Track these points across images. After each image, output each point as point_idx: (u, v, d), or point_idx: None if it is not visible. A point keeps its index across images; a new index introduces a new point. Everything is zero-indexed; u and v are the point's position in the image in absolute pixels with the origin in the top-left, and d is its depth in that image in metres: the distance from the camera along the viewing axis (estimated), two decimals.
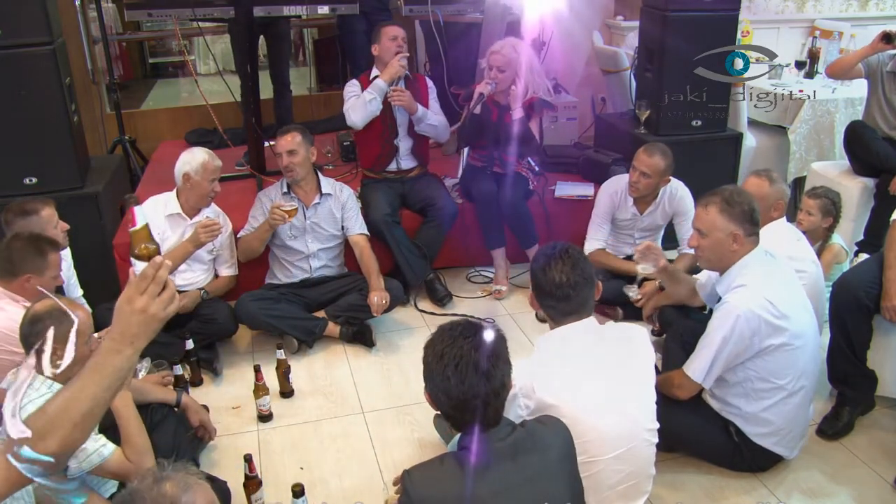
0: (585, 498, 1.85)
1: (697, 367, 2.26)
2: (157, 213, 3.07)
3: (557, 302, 1.91)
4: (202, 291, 3.12)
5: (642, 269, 2.61)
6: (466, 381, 1.48)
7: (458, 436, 1.57)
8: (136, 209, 1.42)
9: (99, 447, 1.86)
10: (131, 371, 1.29)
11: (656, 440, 1.98)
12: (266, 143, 4.01)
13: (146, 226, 1.42)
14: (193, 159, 3.04)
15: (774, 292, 2.21)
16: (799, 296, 2.33)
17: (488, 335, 1.54)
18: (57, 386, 1.93)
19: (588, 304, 1.94)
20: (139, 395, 2.30)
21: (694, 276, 2.91)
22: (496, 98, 3.60)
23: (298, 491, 2.17)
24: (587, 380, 1.88)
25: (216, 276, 3.27)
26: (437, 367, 1.51)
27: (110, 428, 2.12)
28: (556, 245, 1.95)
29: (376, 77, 3.53)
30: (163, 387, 2.54)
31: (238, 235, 3.28)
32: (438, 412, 1.66)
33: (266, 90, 4.73)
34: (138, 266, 1.31)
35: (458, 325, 1.57)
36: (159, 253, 1.39)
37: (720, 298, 2.31)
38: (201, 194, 3.07)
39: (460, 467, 1.50)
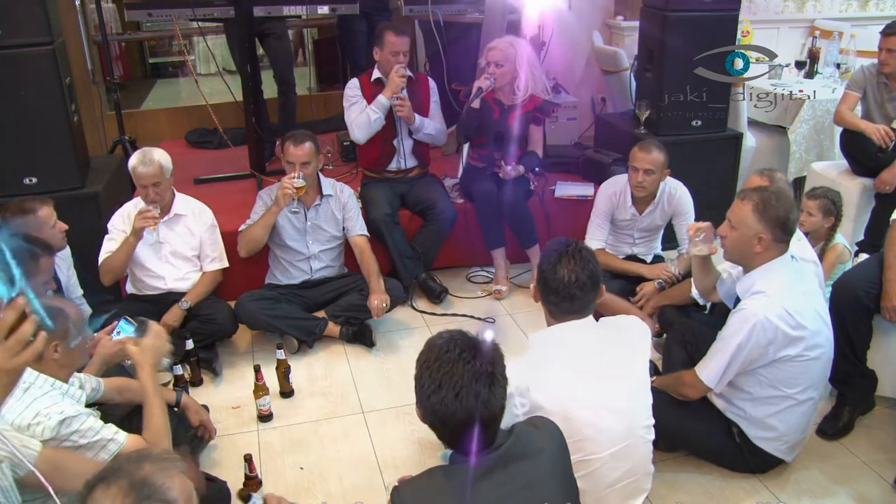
0: (585, 498, 1.85)
1: (711, 372, 2.24)
2: (129, 219, 3.03)
3: (561, 300, 1.90)
4: (183, 303, 3.05)
5: (698, 250, 2.46)
6: (465, 410, 1.42)
7: (449, 450, 1.53)
8: None
9: (113, 435, 1.87)
10: None
11: (653, 437, 1.99)
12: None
13: None
14: (130, 164, 2.95)
15: (794, 302, 2.18)
16: (819, 307, 2.30)
17: (486, 355, 1.46)
18: (59, 384, 1.93)
19: (590, 306, 1.95)
20: (139, 395, 2.30)
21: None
22: (498, 97, 3.61)
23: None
24: (582, 379, 1.88)
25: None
26: (434, 396, 1.43)
27: (126, 417, 2.14)
28: (568, 242, 1.93)
29: (378, 79, 3.53)
30: (162, 386, 2.53)
31: (239, 229, 3.24)
32: None
33: (270, 89, 4.74)
34: None
35: (454, 345, 1.47)
36: None
37: (737, 299, 2.30)
38: (143, 199, 3.00)
39: (449, 481, 1.48)
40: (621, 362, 1.95)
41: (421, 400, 1.48)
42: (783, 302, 2.16)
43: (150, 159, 2.92)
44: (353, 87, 3.59)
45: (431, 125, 3.63)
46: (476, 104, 3.49)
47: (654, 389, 2.02)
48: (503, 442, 1.51)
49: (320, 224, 3.27)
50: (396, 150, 3.65)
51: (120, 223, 3.04)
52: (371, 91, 3.53)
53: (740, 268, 2.37)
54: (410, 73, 3.60)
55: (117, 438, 1.86)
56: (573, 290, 1.88)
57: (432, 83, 3.75)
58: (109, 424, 1.89)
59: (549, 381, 1.87)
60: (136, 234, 2.91)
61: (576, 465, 1.67)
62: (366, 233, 3.36)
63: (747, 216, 2.20)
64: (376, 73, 3.57)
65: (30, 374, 1.89)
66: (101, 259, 3.00)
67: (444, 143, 3.80)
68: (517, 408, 1.87)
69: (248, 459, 2.26)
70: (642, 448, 1.96)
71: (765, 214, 2.18)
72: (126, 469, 1.16)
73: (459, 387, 1.42)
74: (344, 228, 3.34)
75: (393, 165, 3.69)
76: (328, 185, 3.30)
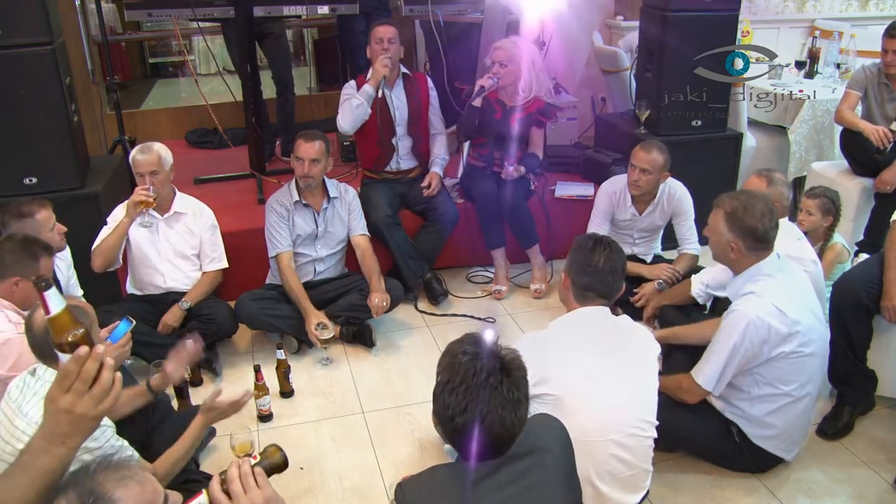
0: (588, 482, 1.90)
1: (707, 376, 2.25)
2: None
3: (595, 283, 2.01)
4: (183, 303, 3.06)
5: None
6: (488, 433, 1.41)
7: None
8: (48, 294, 1.17)
9: (128, 456, 1.87)
10: (65, 470, 1.17)
11: (654, 435, 2.02)
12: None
13: (66, 309, 1.18)
14: (131, 155, 3.00)
15: (785, 300, 2.19)
16: (811, 303, 2.31)
17: (514, 377, 1.43)
18: None
19: (614, 294, 2.05)
20: (115, 412, 2.24)
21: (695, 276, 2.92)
22: (500, 97, 3.61)
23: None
24: (593, 358, 1.96)
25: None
26: (459, 418, 1.40)
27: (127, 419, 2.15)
28: (600, 236, 2.10)
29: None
30: (129, 390, 2.34)
31: (271, 254, 3.20)
32: None
33: (270, 89, 4.74)
34: (64, 357, 1.15)
35: (480, 367, 1.42)
36: (88, 339, 1.16)
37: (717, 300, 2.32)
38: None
39: (453, 479, 1.48)
40: (632, 355, 2.02)
41: (442, 418, 1.45)
42: (773, 300, 2.17)
43: (150, 149, 2.98)
44: (349, 87, 3.60)
45: (442, 148, 3.74)
46: (478, 102, 3.49)
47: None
48: None
49: (328, 227, 3.27)
50: (395, 149, 3.65)
51: (120, 216, 3.04)
52: None
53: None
54: (407, 71, 3.60)
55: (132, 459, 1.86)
56: (606, 275, 2.00)
57: (430, 82, 3.75)
58: (126, 444, 1.89)
59: (562, 354, 1.96)
60: (130, 214, 2.91)
61: (580, 444, 1.69)
62: (367, 232, 3.36)
63: (718, 224, 2.26)
64: (371, 74, 3.57)
65: (52, 374, 1.88)
66: (94, 245, 3.00)
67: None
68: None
69: None
70: (644, 442, 2.00)
71: (734, 224, 2.22)
72: (80, 479, 1.17)
73: (485, 413, 1.39)
74: (348, 229, 3.34)
75: (392, 166, 3.69)
76: (333, 187, 3.30)
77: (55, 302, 1.16)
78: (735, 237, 2.22)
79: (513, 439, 1.46)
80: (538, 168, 3.71)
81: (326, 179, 3.29)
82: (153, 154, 2.97)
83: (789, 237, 2.69)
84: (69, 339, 1.16)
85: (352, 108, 3.47)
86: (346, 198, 3.33)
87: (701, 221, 3.29)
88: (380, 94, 3.47)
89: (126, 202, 3.04)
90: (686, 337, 2.57)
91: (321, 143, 3.13)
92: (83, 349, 1.12)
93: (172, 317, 3.04)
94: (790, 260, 2.45)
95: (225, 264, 3.22)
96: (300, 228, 3.22)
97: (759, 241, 2.21)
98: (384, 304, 3.14)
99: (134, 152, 2.99)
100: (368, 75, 3.56)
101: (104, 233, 3.00)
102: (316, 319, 3.08)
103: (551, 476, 1.53)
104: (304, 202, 3.22)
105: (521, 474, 1.48)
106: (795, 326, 2.19)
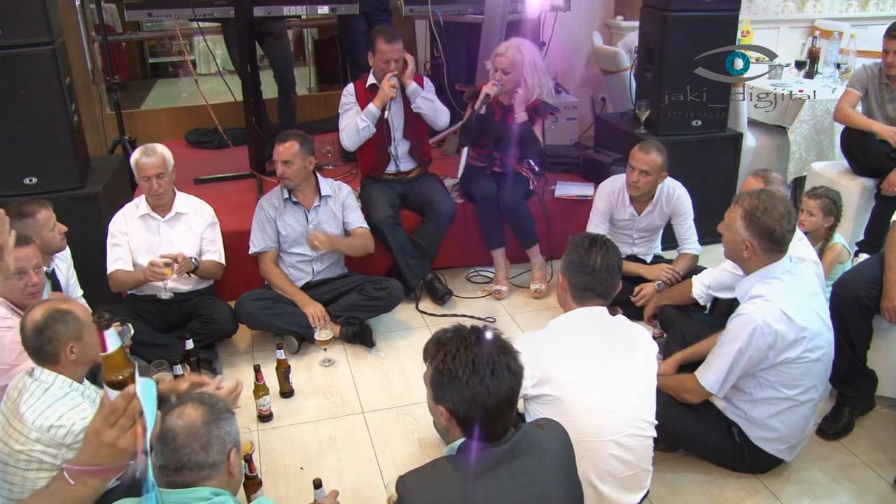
0: (588, 483, 1.90)
1: (712, 378, 2.24)
2: (130, 219, 3.06)
3: (593, 283, 2.00)
4: (193, 259, 3.02)
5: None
6: (501, 384, 1.45)
7: (458, 442, 1.53)
8: (107, 333, 1.25)
9: None
10: (94, 499, 1.25)
11: (654, 434, 2.02)
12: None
13: (120, 349, 1.26)
14: (133, 158, 3.01)
15: (793, 305, 2.17)
16: (819, 308, 2.29)
17: (498, 335, 1.52)
18: (76, 385, 1.92)
19: (612, 293, 2.05)
20: None
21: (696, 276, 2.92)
22: (500, 99, 3.60)
23: (318, 483, 2.16)
24: (592, 358, 1.95)
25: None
26: (473, 378, 1.43)
27: None
28: (595, 235, 2.09)
29: (372, 85, 3.52)
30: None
31: (250, 251, 3.24)
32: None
33: (270, 89, 4.74)
34: (111, 393, 1.22)
35: (467, 332, 1.51)
36: (134, 379, 1.25)
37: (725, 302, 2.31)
38: (147, 192, 3.02)
39: (455, 471, 1.48)
40: (630, 355, 2.01)
41: (455, 391, 1.46)
42: (781, 305, 2.15)
43: (153, 150, 2.99)
44: (348, 93, 3.58)
45: (428, 94, 3.57)
46: (483, 110, 3.49)
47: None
48: (510, 437, 1.52)
49: (321, 225, 3.26)
50: (392, 157, 3.64)
51: (122, 224, 3.05)
52: (365, 97, 3.52)
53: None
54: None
55: None
56: (603, 273, 2.00)
57: (427, 82, 3.71)
58: None
59: (561, 354, 1.95)
60: (146, 276, 2.93)
61: (579, 445, 1.69)
62: (365, 224, 3.36)
63: (735, 221, 2.22)
64: (371, 79, 3.55)
65: (48, 375, 1.89)
66: (109, 268, 3.02)
67: (446, 123, 3.71)
68: (525, 380, 1.89)
69: (247, 460, 2.26)
70: (644, 442, 2.00)
71: (751, 223, 2.18)
72: (188, 396, 1.47)
73: (492, 363, 1.45)
74: (344, 223, 3.34)
75: (391, 168, 3.68)
76: (326, 185, 3.30)
77: (112, 341, 1.24)
78: (751, 236, 2.19)
79: (515, 398, 1.51)
80: (536, 163, 3.68)
81: (321, 178, 3.30)
82: (158, 157, 2.98)
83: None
84: (119, 377, 1.23)
85: (357, 129, 3.46)
86: (339, 195, 3.33)
87: (701, 221, 3.31)
88: (386, 114, 3.47)
89: (126, 210, 3.09)
90: (695, 355, 2.50)
91: (293, 143, 3.10)
92: (132, 387, 1.21)
93: (183, 265, 2.95)
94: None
95: (222, 261, 3.21)
96: (291, 227, 3.22)
97: (774, 243, 2.18)
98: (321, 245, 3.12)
99: (137, 155, 2.98)
100: (368, 81, 3.55)
101: (114, 252, 3.02)
102: (313, 308, 3.13)
103: (551, 474, 1.54)
104: (293, 200, 3.22)
105: (520, 471, 1.49)
106: (802, 332, 2.17)
